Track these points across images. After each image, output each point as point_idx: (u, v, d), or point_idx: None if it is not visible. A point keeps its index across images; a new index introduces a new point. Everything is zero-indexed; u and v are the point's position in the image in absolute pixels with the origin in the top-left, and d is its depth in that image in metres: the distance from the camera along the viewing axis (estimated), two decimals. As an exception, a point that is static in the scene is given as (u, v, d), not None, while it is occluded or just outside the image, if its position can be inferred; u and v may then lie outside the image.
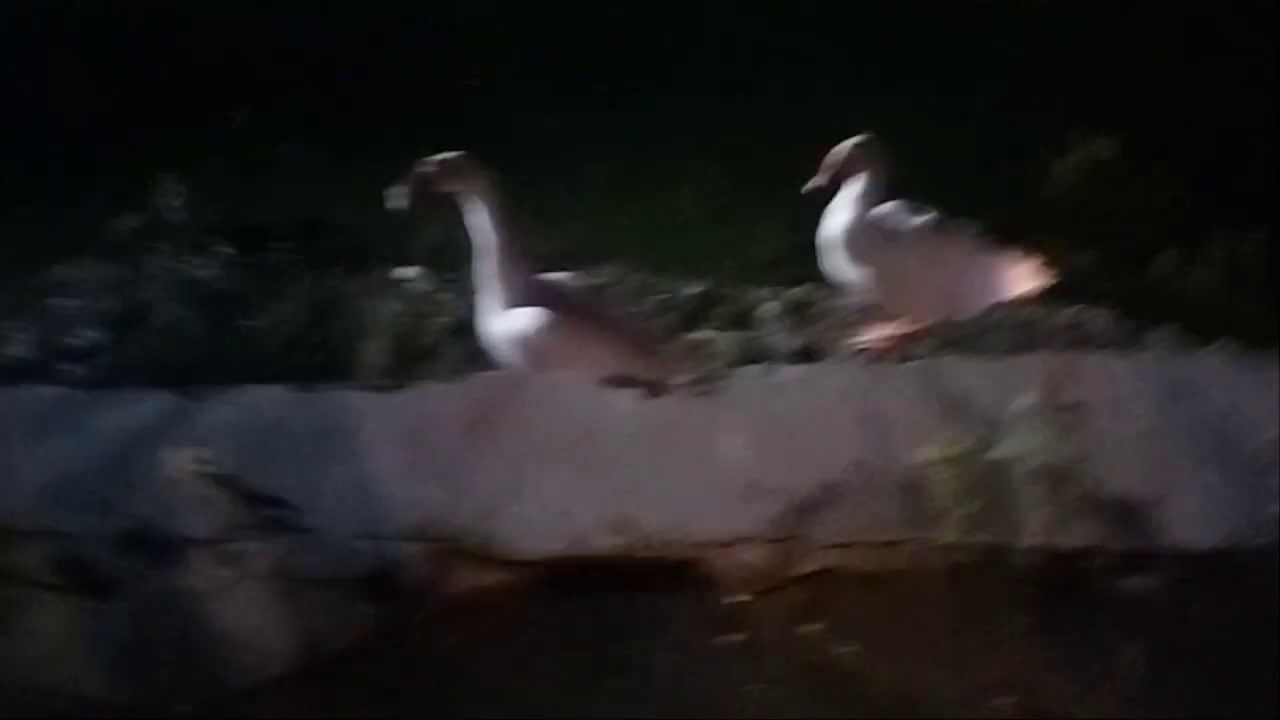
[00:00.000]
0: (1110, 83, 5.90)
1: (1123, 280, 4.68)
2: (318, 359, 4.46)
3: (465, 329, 4.53)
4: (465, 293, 4.79)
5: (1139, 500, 2.71)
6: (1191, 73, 5.90)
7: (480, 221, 3.51)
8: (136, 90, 6.16)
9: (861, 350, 4.27)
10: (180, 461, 2.72)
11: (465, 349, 4.40)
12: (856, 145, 3.80)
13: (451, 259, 5.02)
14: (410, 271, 4.99)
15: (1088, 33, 6.42)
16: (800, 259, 5.01)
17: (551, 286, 3.65)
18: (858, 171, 3.82)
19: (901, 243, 3.92)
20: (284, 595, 2.59)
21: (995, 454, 2.64)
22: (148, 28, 6.59)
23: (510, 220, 3.53)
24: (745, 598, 2.60)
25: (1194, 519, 2.67)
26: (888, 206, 3.99)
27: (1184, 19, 6.38)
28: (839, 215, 3.91)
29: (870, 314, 4.35)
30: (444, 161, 3.45)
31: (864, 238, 3.89)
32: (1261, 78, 5.80)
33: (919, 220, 3.99)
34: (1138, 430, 2.83)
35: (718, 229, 5.22)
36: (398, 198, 3.46)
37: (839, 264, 3.96)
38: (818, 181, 3.82)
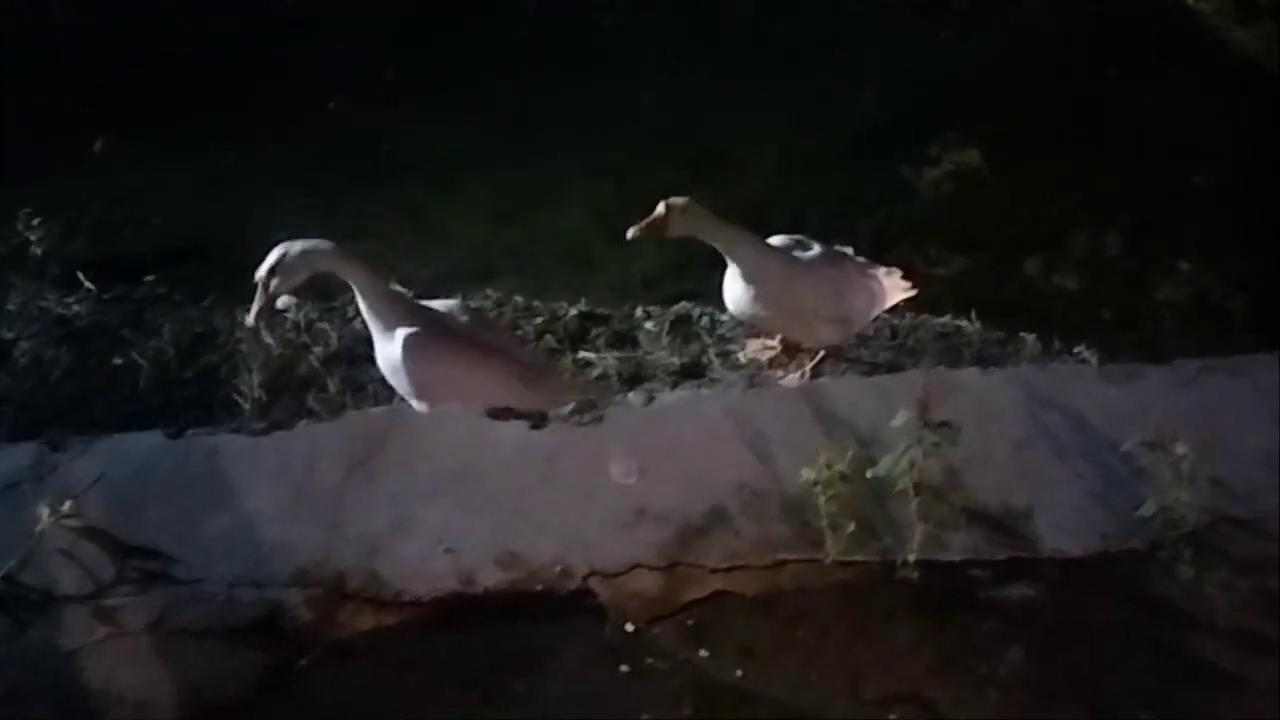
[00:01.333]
0: (971, 93, 6.08)
1: (990, 288, 4.82)
2: (190, 395, 4.37)
3: (345, 358, 4.48)
4: (344, 321, 4.74)
5: (1014, 510, 2.78)
6: (1052, 81, 6.12)
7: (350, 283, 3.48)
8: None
9: (748, 363, 4.34)
10: (44, 515, 2.62)
11: (343, 378, 4.36)
12: (672, 207, 3.77)
13: (329, 287, 4.96)
14: (286, 300, 4.89)
15: (949, 44, 6.61)
16: (679, 276, 5.07)
17: (432, 315, 3.62)
18: (684, 230, 3.80)
19: (800, 283, 3.95)
20: (163, 649, 2.51)
21: (874, 471, 2.68)
22: (5, 58, 6.37)
23: (376, 278, 3.50)
24: (636, 626, 2.60)
25: (1068, 526, 2.75)
26: (783, 240, 4.04)
27: (1041, 28, 6.61)
28: (735, 267, 3.93)
29: (751, 329, 4.41)
30: (279, 265, 3.41)
31: (768, 288, 3.91)
32: (1122, 83, 6.04)
33: (810, 256, 4.02)
34: (1009, 442, 2.91)
35: (598, 248, 5.25)
36: (250, 319, 3.48)
37: (742, 300, 3.98)
38: (635, 233, 3.80)
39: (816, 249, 4.05)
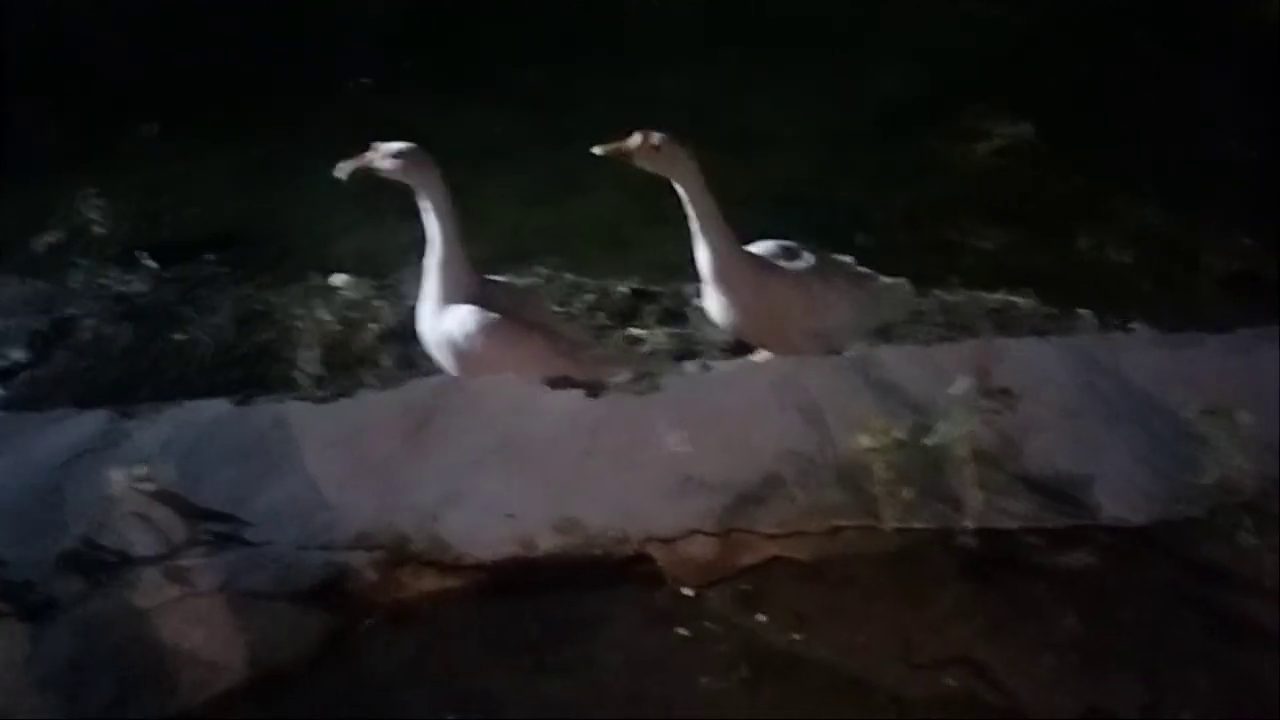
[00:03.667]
0: (1022, 67, 6.04)
1: (1043, 261, 4.80)
2: (249, 370, 4.45)
3: (397, 335, 4.54)
4: (397, 298, 4.80)
5: (1071, 478, 2.77)
6: (1102, 56, 6.07)
7: (427, 215, 3.54)
8: (54, 105, 6.07)
9: None
10: (118, 480, 2.69)
11: (398, 355, 4.43)
12: (646, 137, 3.53)
13: (381, 265, 5.03)
14: (342, 278, 4.97)
15: (1000, 18, 6.56)
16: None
17: (490, 287, 3.67)
18: (653, 167, 3.57)
19: (773, 290, 3.68)
20: (231, 609, 2.56)
21: (929, 439, 2.69)
22: (61, 45, 6.49)
23: (456, 217, 3.55)
24: (691, 591, 2.62)
25: (1126, 493, 2.74)
26: (769, 247, 3.80)
27: (1088, 4, 6.56)
28: (702, 253, 3.66)
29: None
30: (398, 152, 3.50)
31: (740, 280, 3.65)
32: (1172, 58, 5.98)
33: (799, 265, 3.75)
34: (1066, 410, 2.91)
35: (633, 229, 5.25)
36: (343, 171, 3.52)
37: (715, 304, 3.73)
38: (602, 150, 3.57)
39: (807, 258, 3.75)
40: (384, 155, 3.51)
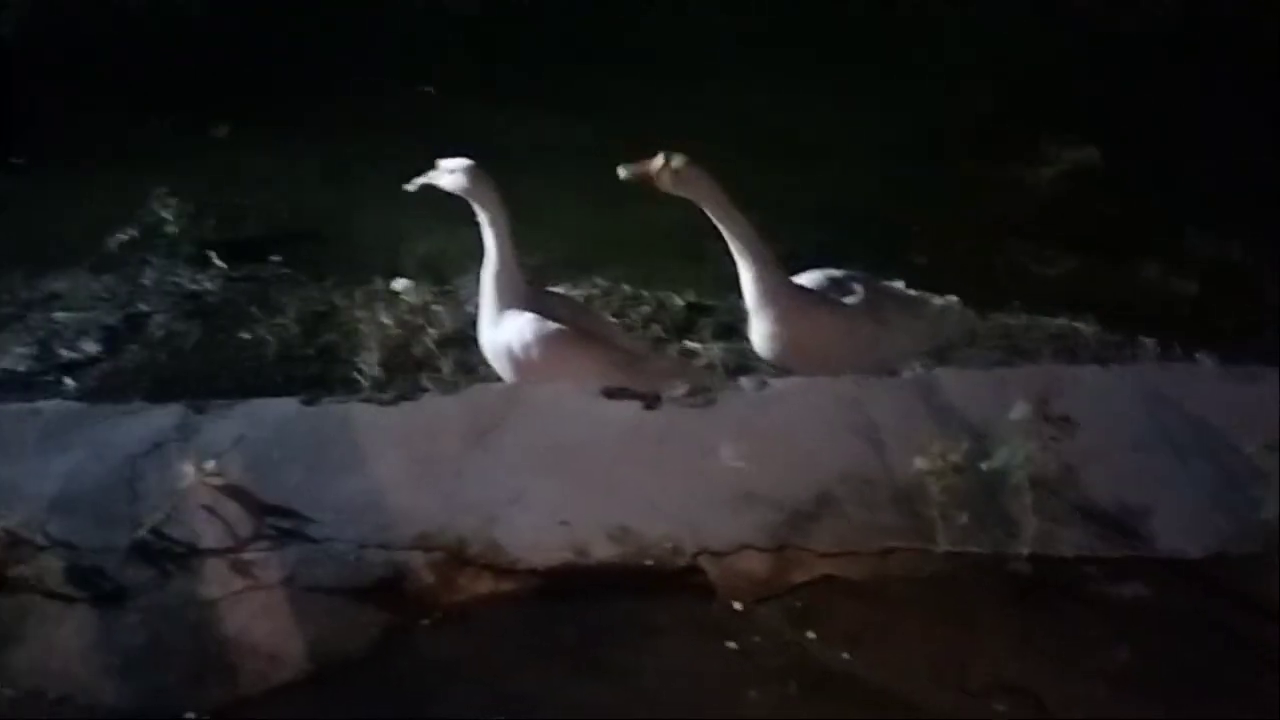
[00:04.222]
0: (1089, 92, 6.00)
1: (1106, 288, 4.77)
2: (312, 370, 4.53)
3: (458, 340, 4.60)
4: (458, 304, 4.87)
5: (1129, 509, 2.77)
6: (1171, 82, 6.02)
7: (485, 229, 3.61)
8: (128, 104, 6.21)
9: None
10: (189, 473, 2.76)
11: (457, 360, 4.48)
12: (668, 159, 3.51)
13: (443, 271, 5.09)
14: (403, 283, 5.04)
15: (1066, 43, 6.53)
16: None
17: (547, 298, 3.73)
18: (677, 191, 3.55)
19: (832, 326, 3.63)
20: (292, 603, 2.61)
21: (987, 464, 2.69)
22: (135, 43, 6.64)
23: (512, 230, 3.62)
24: (741, 606, 2.64)
25: (1185, 526, 2.73)
26: (817, 278, 3.75)
27: (1160, 30, 6.51)
28: (745, 281, 3.63)
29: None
30: (456, 168, 3.62)
31: (786, 313, 3.59)
32: (1240, 86, 5.92)
33: (849, 301, 3.68)
34: (1126, 441, 2.90)
35: (702, 240, 5.26)
36: (411, 187, 3.68)
37: (759, 334, 3.69)
38: (626, 174, 3.56)
39: (857, 290, 3.68)
40: (444, 171, 3.61)
